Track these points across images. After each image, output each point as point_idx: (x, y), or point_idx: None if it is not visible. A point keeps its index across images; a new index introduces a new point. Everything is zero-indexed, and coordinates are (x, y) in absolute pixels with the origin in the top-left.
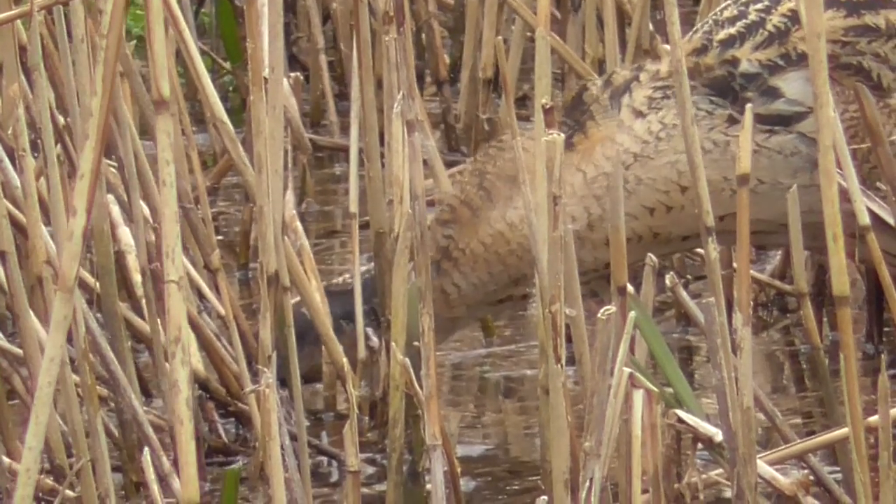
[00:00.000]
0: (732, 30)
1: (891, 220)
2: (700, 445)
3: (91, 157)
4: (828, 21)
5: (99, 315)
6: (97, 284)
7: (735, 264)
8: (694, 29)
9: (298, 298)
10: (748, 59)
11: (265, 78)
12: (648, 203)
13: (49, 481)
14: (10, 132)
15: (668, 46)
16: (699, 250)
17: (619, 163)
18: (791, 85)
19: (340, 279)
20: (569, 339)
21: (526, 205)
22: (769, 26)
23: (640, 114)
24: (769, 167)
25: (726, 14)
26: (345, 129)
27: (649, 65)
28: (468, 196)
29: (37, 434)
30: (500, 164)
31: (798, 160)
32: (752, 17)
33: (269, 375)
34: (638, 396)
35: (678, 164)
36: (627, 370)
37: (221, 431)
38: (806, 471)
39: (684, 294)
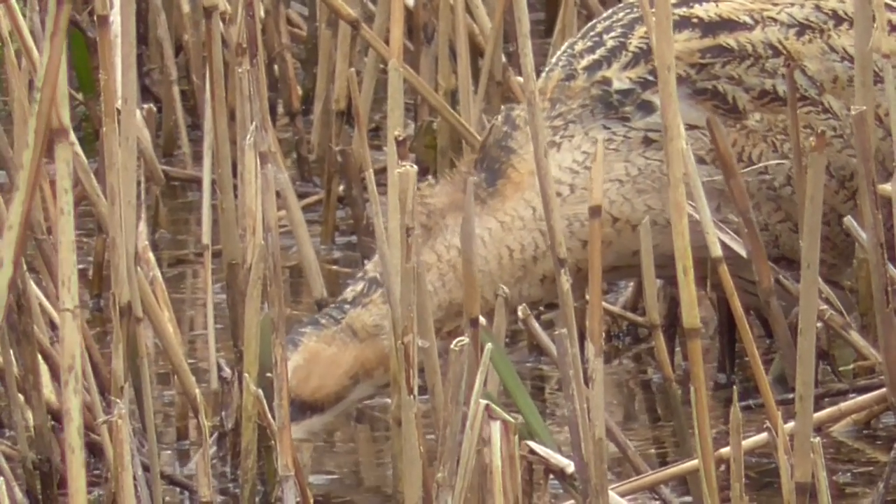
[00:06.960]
0: (594, 56)
1: (743, 252)
2: (552, 476)
3: (21, 210)
4: (684, 42)
5: None
6: None
7: (587, 296)
8: (549, 68)
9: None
10: (618, 77)
11: (118, 109)
12: (582, 236)
13: None
14: None
15: (521, 78)
16: None
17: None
18: None
19: None
20: (421, 370)
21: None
22: (631, 48)
23: (553, 144)
24: (655, 189)
25: (579, 47)
26: (198, 160)
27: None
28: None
29: None
30: (436, 195)
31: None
32: (611, 43)
33: (122, 406)
34: (495, 428)
35: (608, 193)
36: (484, 401)
37: None
38: (658, 502)
39: (536, 325)
